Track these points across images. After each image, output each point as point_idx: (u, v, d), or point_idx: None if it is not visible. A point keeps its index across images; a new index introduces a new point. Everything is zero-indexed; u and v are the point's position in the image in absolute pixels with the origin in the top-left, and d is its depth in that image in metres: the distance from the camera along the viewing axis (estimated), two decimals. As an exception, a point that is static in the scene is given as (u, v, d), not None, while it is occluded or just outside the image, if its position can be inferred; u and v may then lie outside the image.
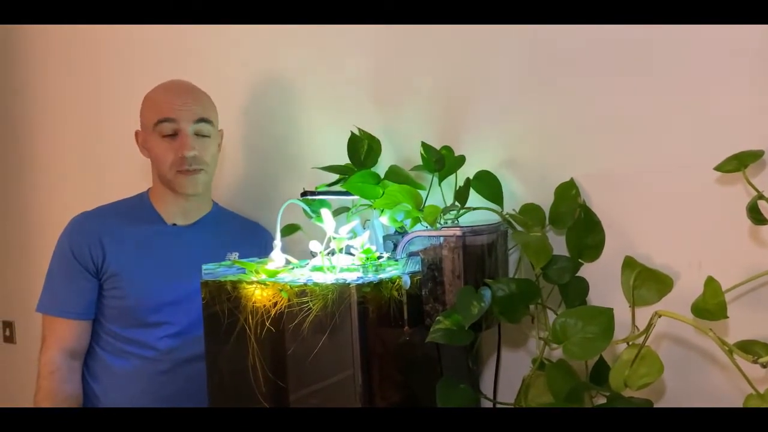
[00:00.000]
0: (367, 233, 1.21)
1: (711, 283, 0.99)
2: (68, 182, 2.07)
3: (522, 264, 1.22)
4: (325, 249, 1.14)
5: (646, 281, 1.06)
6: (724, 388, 1.09)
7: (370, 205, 1.25)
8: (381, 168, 1.30)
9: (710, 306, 0.99)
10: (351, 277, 1.08)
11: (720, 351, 1.00)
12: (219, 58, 1.69)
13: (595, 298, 1.18)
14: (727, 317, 0.98)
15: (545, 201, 1.21)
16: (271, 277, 1.13)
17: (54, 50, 2.07)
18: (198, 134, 1.39)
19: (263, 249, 1.48)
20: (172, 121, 1.37)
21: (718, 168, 1.05)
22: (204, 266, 1.19)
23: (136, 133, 1.46)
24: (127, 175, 1.81)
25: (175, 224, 1.46)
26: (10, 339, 2.30)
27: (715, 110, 1.09)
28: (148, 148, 1.42)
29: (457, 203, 1.20)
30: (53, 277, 1.43)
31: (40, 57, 2.11)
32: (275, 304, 1.09)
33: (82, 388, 1.43)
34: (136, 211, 1.46)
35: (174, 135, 1.38)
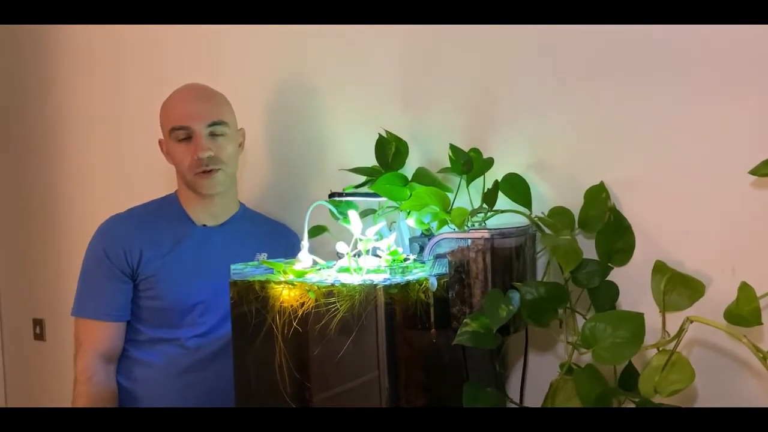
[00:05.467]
0: (393, 235, 1.21)
1: (745, 288, 0.98)
2: (96, 182, 2.10)
3: (551, 267, 1.21)
4: (352, 250, 1.15)
5: (677, 286, 1.05)
6: (758, 395, 1.07)
7: (397, 207, 1.25)
8: (408, 170, 1.30)
9: (744, 312, 0.98)
10: (378, 278, 1.08)
11: (754, 358, 0.98)
12: (246, 59, 1.70)
13: (624, 303, 1.16)
14: (762, 323, 0.97)
15: (574, 204, 1.20)
16: (298, 278, 1.13)
17: (81, 52, 2.10)
18: (213, 135, 1.40)
19: (290, 250, 1.48)
20: (186, 129, 1.39)
21: (753, 172, 1.03)
22: (233, 266, 1.20)
23: (160, 142, 1.47)
24: (154, 175, 1.83)
25: (204, 225, 1.47)
26: (40, 336, 2.34)
27: (751, 113, 1.07)
28: (170, 154, 1.44)
29: (485, 206, 1.19)
30: (87, 280, 1.44)
31: (68, 59, 2.15)
32: (302, 304, 1.10)
33: None
34: (167, 212, 1.47)
35: (189, 139, 1.39)
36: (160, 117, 1.45)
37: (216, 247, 1.45)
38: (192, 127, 1.39)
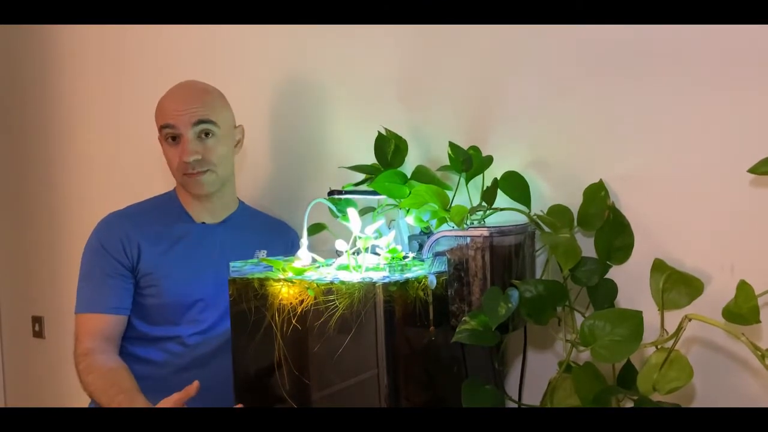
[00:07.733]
0: (392, 233, 1.21)
1: (744, 286, 0.98)
2: (95, 180, 2.10)
3: (549, 265, 1.21)
4: (351, 248, 1.15)
5: (676, 284, 1.05)
6: (757, 394, 1.07)
7: (396, 205, 1.25)
8: (408, 168, 1.30)
9: (743, 310, 0.98)
10: (377, 276, 1.08)
11: (752, 356, 0.98)
12: (247, 58, 1.70)
13: (623, 301, 1.16)
14: (760, 321, 0.97)
15: (573, 202, 1.20)
16: (297, 275, 1.13)
17: (83, 51, 2.10)
18: (201, 136, 1.38)
19: (289, 247, 1.49)
20: (172, 127, 1.37)
21: (752, 170, 1.03)
22: (231, 264, 1.20)
23: (159, 139, 1.46)
24: (153, 173, 1.83)
25: (203, 222, 1.47)
26: (39, 334, 2.34)
27: (750, 111, 1.07)
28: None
29: (484, 203, 1.19)
30: (85, 276, 1.42)
31: (68, 58, 2.15)
32: (301, 302, 1.10)
33: None
34: (166, 209, 1.47)
35: (177, 139, 1.38)
36: (155, 113, 1.44)
37: (215, 245, 1.45)
38: (178, 126, 1.37)
